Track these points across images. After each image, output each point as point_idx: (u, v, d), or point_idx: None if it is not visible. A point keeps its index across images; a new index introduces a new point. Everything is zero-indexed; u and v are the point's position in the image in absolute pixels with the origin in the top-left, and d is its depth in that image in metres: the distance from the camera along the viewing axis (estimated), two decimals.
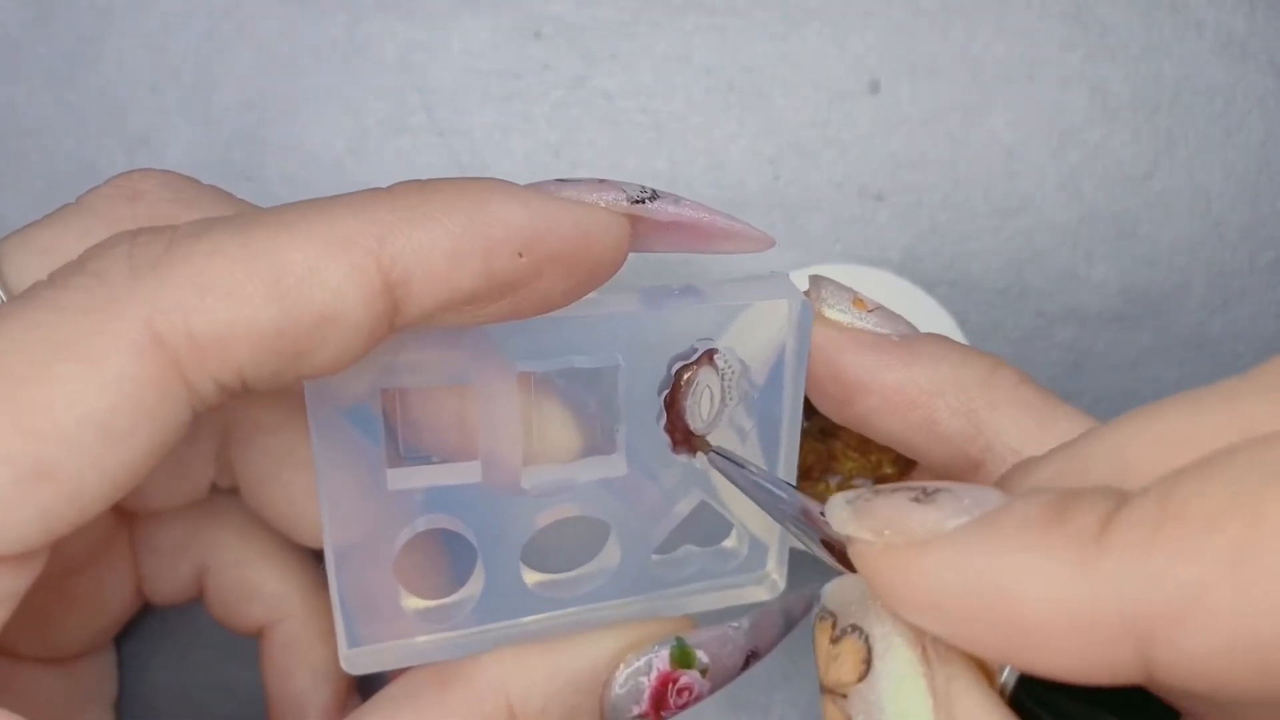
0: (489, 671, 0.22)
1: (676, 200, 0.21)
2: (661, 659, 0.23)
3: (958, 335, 0.30)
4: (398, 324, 0.19)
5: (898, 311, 0.29)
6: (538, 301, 0.20)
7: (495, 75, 0.34)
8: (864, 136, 0.33)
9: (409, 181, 0.19)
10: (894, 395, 0.22)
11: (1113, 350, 0.34)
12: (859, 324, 0.23)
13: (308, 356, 0.19)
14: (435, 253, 0.18)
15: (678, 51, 0.33)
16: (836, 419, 0.24)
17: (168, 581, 0.28)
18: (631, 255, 0.21)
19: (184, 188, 0.23)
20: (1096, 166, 0.34)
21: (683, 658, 0.23)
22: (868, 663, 0.17)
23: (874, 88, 0.33)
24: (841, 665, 0.17)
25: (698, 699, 0.24)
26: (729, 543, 0.25)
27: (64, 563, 0.25)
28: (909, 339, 0.23)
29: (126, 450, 0.18)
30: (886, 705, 0.17)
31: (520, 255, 0.19)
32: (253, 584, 0.28)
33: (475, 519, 0.23)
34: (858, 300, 0.23)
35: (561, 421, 0.23)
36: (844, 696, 0.17)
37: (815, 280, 0.24)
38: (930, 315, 0.30)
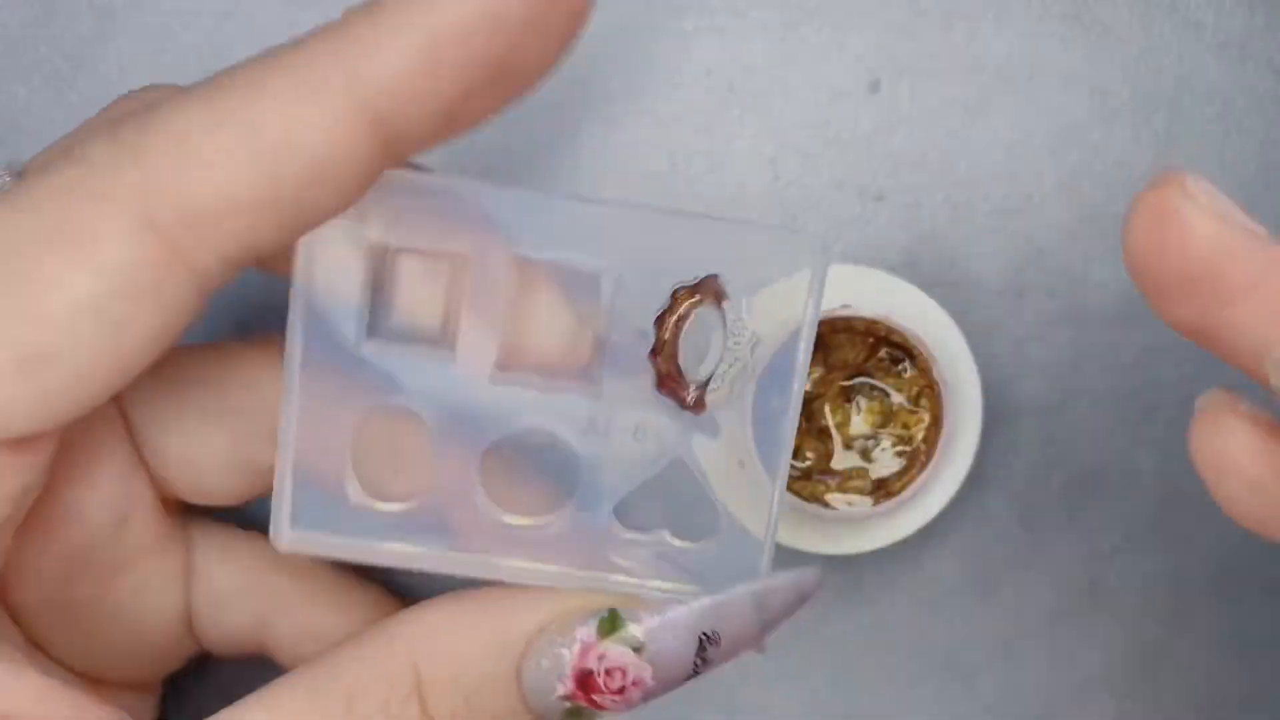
0: (396, 639, 0.21)
1: None
2: (587, 628, 0.20)
3: (957, 334, 0.30)
4: (394, 155, 0.19)
5: (897, 312, 0.29)
6: (527, 76, 0.20)
7: None
8: (864, 136, 0.33)
9: (352, 8, 0.19)
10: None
11: (1113, 350, 0.34)
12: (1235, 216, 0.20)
13: (307, 210, 0.18)
14: (408, 70, 0.18)
15: (678, 52, 0.33)
16: (1189, 324, 0.20)
17: (224, 626, 0.27)
18: None
19: None
20: (1096, 166, 0.34)
21: (611, 625, 0.21)
22: None
23: (874, 88, 0.33)
24: None
25: (639, 688, 0.21)
26: (708, 540, 0.24)
27: (109, 554, 0.25)
28: None
29: (128, 335, 0.18)
30: None
31: (490, 37, 0.18)
32: (318, 627, 0.27)
33: (438, 409, 0.21)
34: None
35: (548, 324, 0.22)
36: None
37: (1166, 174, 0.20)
38: (930, 315, 0.30)
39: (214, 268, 0.18)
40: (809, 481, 0.30)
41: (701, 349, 0.22)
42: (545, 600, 0.21)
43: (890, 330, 0.29)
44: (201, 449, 0.26)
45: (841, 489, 0.30)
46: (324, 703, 0.20)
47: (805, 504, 0.29)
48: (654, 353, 0.22)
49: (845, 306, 0.29)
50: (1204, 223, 0.19)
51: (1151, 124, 0.34)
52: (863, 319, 0.29)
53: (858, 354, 0.30)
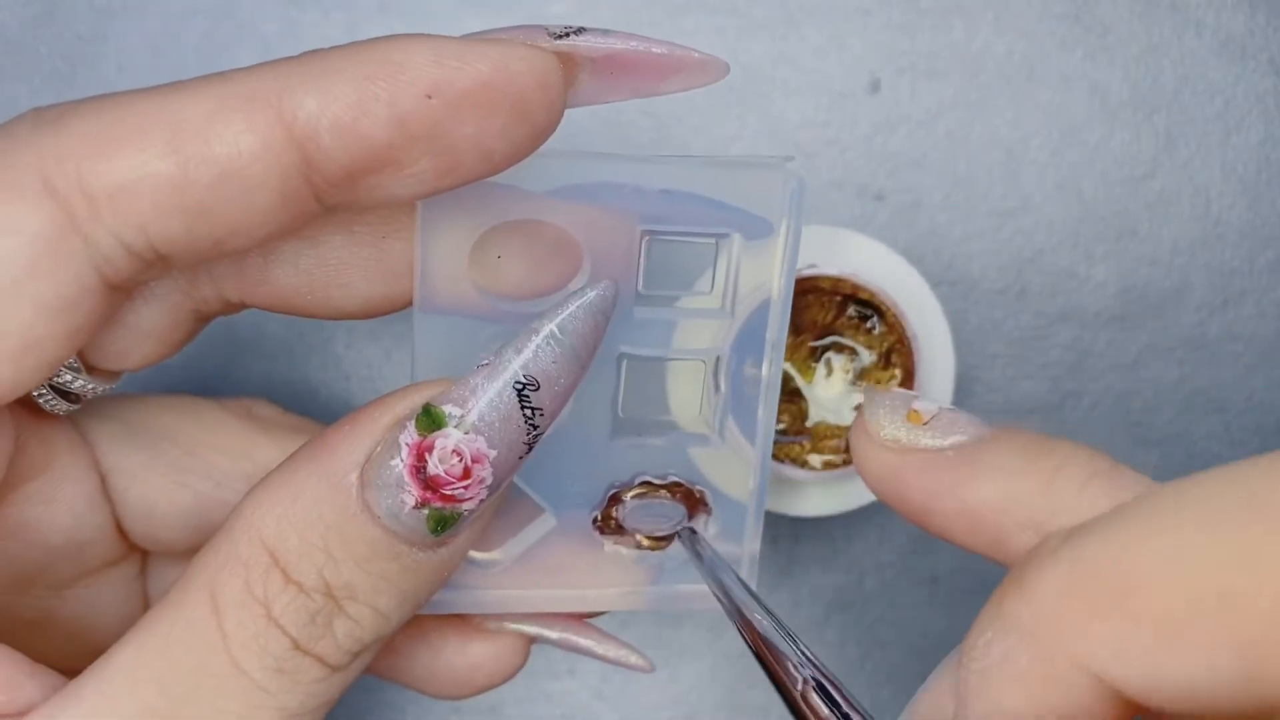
0: (237, 523, 0.20)
1: (605, 32, 0.20)
2: (409, 433, 0.20)
3: (922, 285, 0.30)
4: (320, 183, 0.19)
5: (863, 269, 0.29)
6: (474, 155, 0.19)
7: None
8: (864, 136, 0.33)
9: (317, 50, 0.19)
10: (959, 518, 0.21)
11: (1112, 350, 0.34)
12: (918, 442, 0.22)
13: (217, 215, 0.19)
14: (338, 101, 0.18)
15: None
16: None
17: None
18: None
19: None
20: (1096, 166, 0.34)
21: (430, 421, 0.20)
22: None
23: (874, 87, 0.33)
24: None
25: (483, 462, 0.20)
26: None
27: (62, 574, 0.25)
28: (966, 453, 0.21)
29: (21, 305, 0.18)
30: None
31: (429, 97, 0.18)
32: None
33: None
34: (913, 413, 0.22)
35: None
36: None
37: (869, 395, 0.23)
38: (894, 268, 0.30)
39: (114, 252, 0.19)
40: (784, 443, 0.30)
41: (648, 524, 0.24)
42: (361, 430, 0.20)
43: (857, 288, 0.29)
44: (163, 504, 0.25)
45: (817, 449, 0.30)
46: (189, 614, 0.20)
47: (780, 465, 0.29)
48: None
49: (811, 266, 0.29)
50: (877, 457, 0.22)
51: (1151, 124, 0.34)
52: (829, 277, 0.29)
53: (826, 314, 0.30)
